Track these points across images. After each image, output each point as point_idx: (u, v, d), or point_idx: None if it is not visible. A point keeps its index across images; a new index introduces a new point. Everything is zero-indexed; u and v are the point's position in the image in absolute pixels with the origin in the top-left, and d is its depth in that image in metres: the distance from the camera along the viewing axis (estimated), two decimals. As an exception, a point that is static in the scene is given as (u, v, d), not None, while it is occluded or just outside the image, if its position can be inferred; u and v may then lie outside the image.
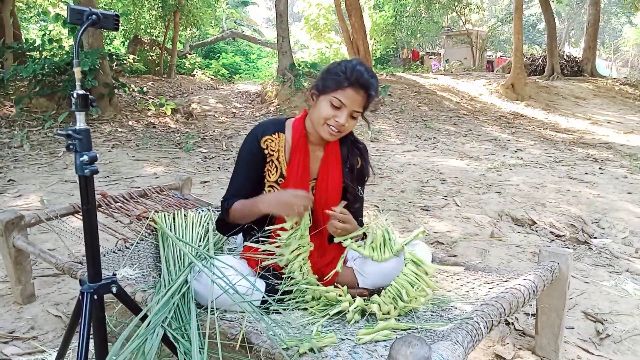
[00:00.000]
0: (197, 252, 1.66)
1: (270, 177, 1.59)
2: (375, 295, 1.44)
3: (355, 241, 1.57)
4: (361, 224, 1.66)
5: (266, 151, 1.57)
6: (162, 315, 1.30)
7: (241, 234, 1.78)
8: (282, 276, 1.49)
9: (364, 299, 1.44)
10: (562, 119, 10.03)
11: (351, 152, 1.67)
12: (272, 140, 1.58)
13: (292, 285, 1.46)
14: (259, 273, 1.51)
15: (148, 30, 14.80)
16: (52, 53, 7.31)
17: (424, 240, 3.02)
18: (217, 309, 1.34)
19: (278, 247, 1.48)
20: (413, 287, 1.41)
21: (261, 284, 1.48)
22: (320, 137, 1.55)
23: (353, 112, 1.50)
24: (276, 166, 1.58)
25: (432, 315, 1.40)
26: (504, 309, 1.28)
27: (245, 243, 1.63)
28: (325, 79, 1.51)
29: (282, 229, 1.49)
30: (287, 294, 1.47)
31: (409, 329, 1.30)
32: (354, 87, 1.46)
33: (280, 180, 1.58)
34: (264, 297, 1.42)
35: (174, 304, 1.37)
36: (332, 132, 1.51)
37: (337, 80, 1.47)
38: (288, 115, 8.34)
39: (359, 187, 1.68)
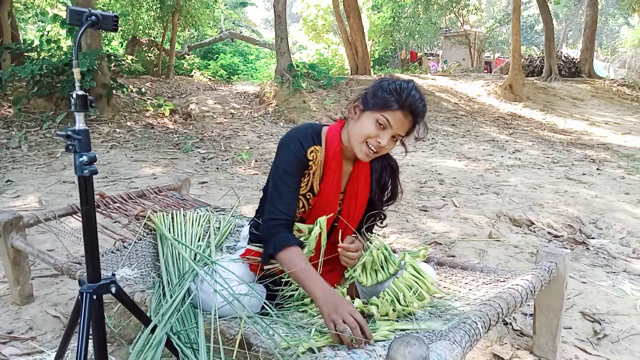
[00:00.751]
0: (196, 255, 1.66)
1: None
2: (374, 297, 1.44)
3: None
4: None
5: (310, 163, 1.46)
6: (168, 325, 1.30)
7: (247, 226, 1.75)
8: (282, 280, 1.48)
9: (362, 301, 1.44)
10: (560, 119, 10.06)
11: (384, 170, 1.60)
12: (316, 152, 1.48)
13: (292, 290, 1.47)
14: (259, 276, 1.50)
15: (146, 31, 14.79)
16: (50, 54, 7.30)
17: (423, 241, 3.03)
18: (219, 316, 1.35)
19: None
20: (411, 290, 1.42)
21: (262, 288, 1.49)
22: (358, 156, 1.47)
23: (396, 134, 1.42)
24: (309, 179, 1.49)
25: (430, 315, 1.40)
26: (502, 309, 1.28)
27: (248, 246, 1.62)
28: (375, 95, 1.41)
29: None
30: (287, 297, 1.47)
31: (408, 329, 1.31)
32: (405, 111, 1.38)
33: (309, 195, 1.50)
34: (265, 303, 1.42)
35: (178, 311, 1.38)
36: (369, 153, 1.43)
37: (388, 100, 1.38)
38: (286, 115, 8.37)
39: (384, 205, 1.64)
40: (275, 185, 1.45)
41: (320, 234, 1.48)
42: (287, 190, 1.44)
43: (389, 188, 1.63)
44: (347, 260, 1.52)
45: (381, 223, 1.68)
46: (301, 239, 1.47)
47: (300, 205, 1.51)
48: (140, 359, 1.19)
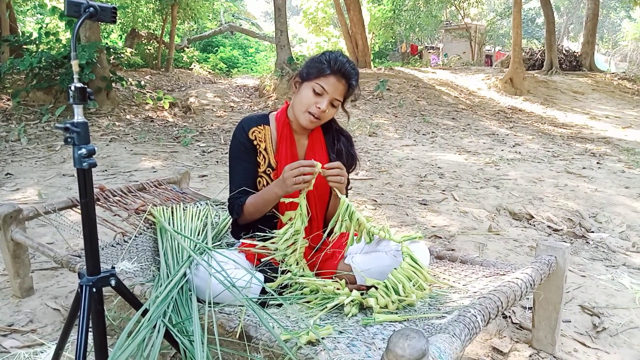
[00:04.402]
0: (195, 245, 1.66)
1: (259, 167, 1.62)
2: (373, 289, 1.44)
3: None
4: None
5: (255, 142, 1.61)
6: (162, 309, 1.30)
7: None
8: (278, 268, 1.50)
9: (362, 293, 1.44)
10: (561, 113, 10.04)
11: (337, 138, 1.72)
12: (260, 132, 1.62)
13: (289, 279, 1.47)
14: (257, 266, 1.52)
15: (145, 24, 14.73)
16: (49, 46, 7.27)
17: (422, 235, 3.03)
18: (216, 303, 1.35)
19: (274, 243, 1.49)
20: (410, 282, 1.42)
21: (259, 276, 1.49)
22: (302, 125, 1.59)
23: (334, 99, 1.54)
24: (264, 157, 1.61)
25: (429, 308, 1.40)
26: (501, 302, 1.28)
27: (242, 240, 1.63)
28: (309, 66, 1.57)
29: (283, 222, 1.49)
30: (285, 287, 1.48)
31: (406, 320, 1.31)
32: (336, 75, 1.52)
33: (269, 170, 1.61)
34: (262, 288, 1.43)
35: (172, 297, 1.38)
36: (312, 120, 1.55)
37: (320, 68, 1.53)
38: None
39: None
40: (229, 172, 1.64)
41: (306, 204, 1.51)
42: (237, 173, 1.61)
43: (346, 155, 1.72)
44: (336, 180, 1.49)
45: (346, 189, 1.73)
46: (290, 222, 1.50)
47: (265, 183, 1.60)
48: (131, 339, 1.18)
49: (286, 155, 1.61)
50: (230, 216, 1.69)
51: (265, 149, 1.62)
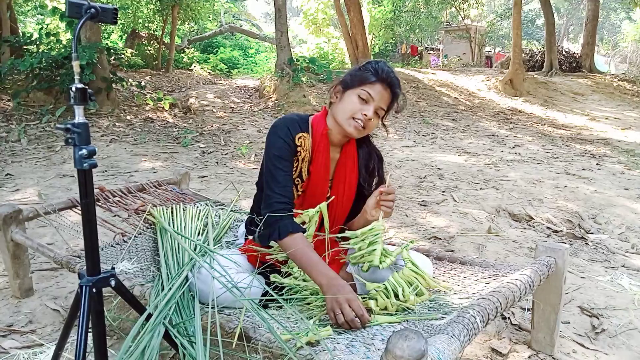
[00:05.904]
0: (196, 246, 1.66)
1: None
2: (373, 291, 1.44)
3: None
4: None
5: (299, 149, 1.52)
6: (164, 312, 1.30)
7: (243, 224, 1.78)
8: (281, 272, 1.50)
9: (361, 295, 1.44)
10: (560, 114, 10.04)
11: (371, 155, 1.66)
12: (305, 139, 1.53)
13: (291, 281, 1.47)
14: (258, 268, 1.51)
15: (146, 25, 14.72)
16: (49, 47, 7.27)
17: (422, 236, 3.03)
18: (217, 306, 1.35)
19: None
20: (411, 286, 1.42)
21: (261, 278, 1.49)
22: (341, 136, 1.54)
23: (379, 108, 1.50)
24: (298, 165, 1.53)
25: (429, 309, 1.41)
26: (501, 304, 1.29)
27: (248, 237, 1.63)
28: (352, 75, 1.53)
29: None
30: (285, 287, 1.48)
31: (406, 320, 1.31)
32: (382, 83, 1.49)
33: (298, 180, 1.53)
34: (264, 291, 1.43)
35: (175, 301, 1.38)
36: (357, 127, 1.49)
37: (365, 76, 1.49)
38: (286, 109, 8.35)
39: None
40: (270, 171, 1.49)
41: (321, 218, 1.49)
42: (282, 174, 1.48)
43: (377, 174, 1.67)
44: (388, 206, 1.49)
45: None
46: (304, 226, 1.48)
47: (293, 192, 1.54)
48: (135, 344, 1.19)
49: (320, 166, 1.54)
50: (255, 214, 1.56)
51: (303, 158, 1.53)
